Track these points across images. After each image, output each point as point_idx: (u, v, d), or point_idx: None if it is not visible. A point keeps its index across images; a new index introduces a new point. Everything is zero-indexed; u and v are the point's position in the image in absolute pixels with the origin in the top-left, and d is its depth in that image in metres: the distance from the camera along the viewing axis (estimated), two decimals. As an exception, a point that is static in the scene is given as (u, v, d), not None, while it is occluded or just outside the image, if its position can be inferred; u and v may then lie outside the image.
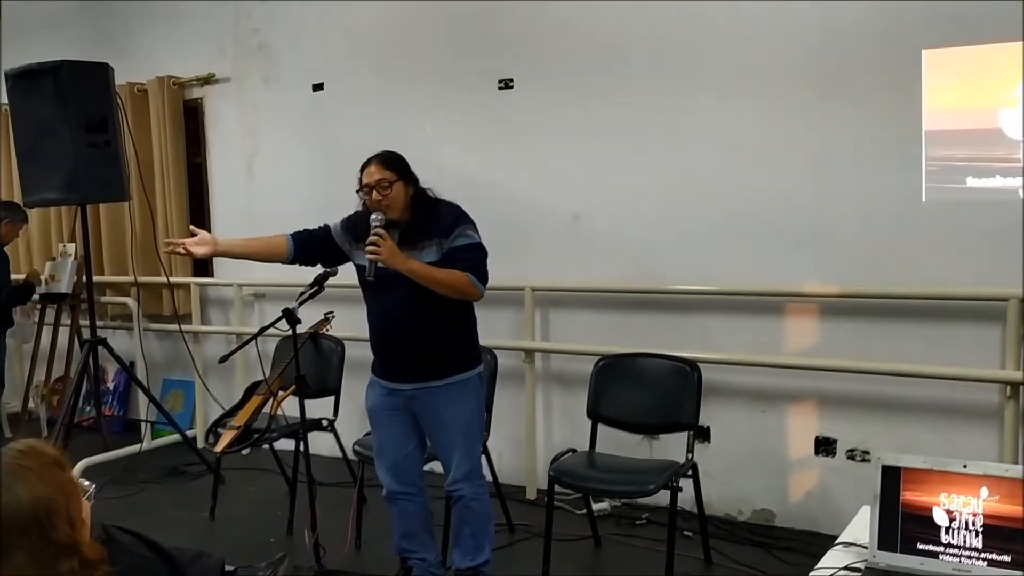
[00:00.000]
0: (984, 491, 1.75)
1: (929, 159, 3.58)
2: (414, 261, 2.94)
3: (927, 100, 3.57)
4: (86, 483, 1.42)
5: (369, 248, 2.91)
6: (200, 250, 3.18)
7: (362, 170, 3.07)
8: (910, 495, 1.81)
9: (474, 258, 3.00)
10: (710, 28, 3.99)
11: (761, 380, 3.99)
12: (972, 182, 3.52)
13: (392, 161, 3.06)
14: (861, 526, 2.07)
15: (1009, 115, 3.43)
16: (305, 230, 3.29)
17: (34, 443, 1.36)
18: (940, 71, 3.55)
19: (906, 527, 1.80)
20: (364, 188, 3.03)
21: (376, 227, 2.94)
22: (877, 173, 3.69)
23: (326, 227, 3.26)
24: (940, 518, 1.78)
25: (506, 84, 4.56)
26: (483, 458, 3.49)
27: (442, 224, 3.01)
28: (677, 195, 4.14)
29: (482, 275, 3.02)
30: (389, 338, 3.11)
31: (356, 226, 3.14)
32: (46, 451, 1.35)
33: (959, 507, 1.76)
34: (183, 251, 3.15)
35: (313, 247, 3.24)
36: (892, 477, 1.82)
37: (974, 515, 1.75)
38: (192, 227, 3.28)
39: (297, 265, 3.32)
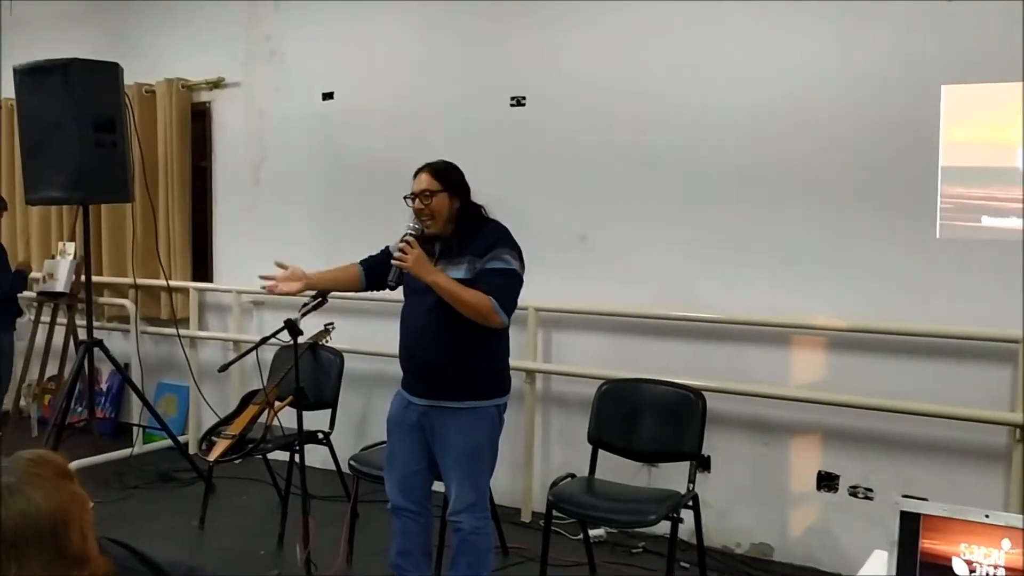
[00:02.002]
0: (1006, 543, 1.69)
1: (944, 196, 3.55)
2: (441, 274, 2.88)
3: (944, 136, 3.54)
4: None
5: (396, 254, 2.87)
6: (293, 287, 3.16)
7: (414, 176, 3.04)
8: (929, 543, 1.75)
9: (503, 284, 2.89)
10: (726, 56, 3.97)
11: (765, 411, 3.94)
12: (987, 221, 3.49)
13: (442, 172, 3.00)
14: (873, 570, 2.01)
15: (1028, 154, 3.40)
16: (370, 256, 3.23)
17: (44, 453, 1.33)
18: (959, 107, 3.52)
19: (924, 576, 1.75)
20: (411, 195, 3.00)
21: (407, 235, 2.90)
22: (891, 207, 3.65)
23: (386, 248, 3.18)
24: (960, 569, 1.73)
25: (518, 101, 4.53)
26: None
27: (481, 244, 2.94)
28: (687, 220, 4.10)
29: (508, 302, 2.90)
30: (411, 350, 3.04)
31: (418, 238, 3.06)
32: (57, 461, 1.32)
33: (980, 558, 1.70)
34: (277, 290, 3.15)
35: (380, 272, 3.13)
36: (911, 524, 1.77)
37: (995, 567, 1.70)
38: (278, 262, 3.21)
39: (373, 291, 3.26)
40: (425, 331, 2.97)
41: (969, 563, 1.72)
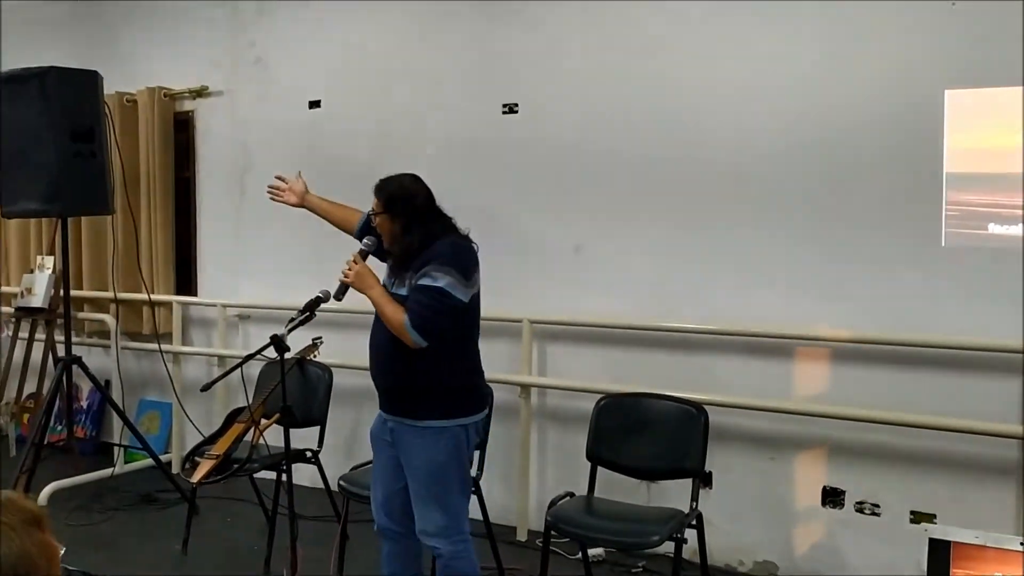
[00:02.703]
0: (1046, 571, 1.59)
1: (950, 203, 3.46)
2: (377, 288, 2.90)
3: (949, 141, 3.46)
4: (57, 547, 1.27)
5: (343, 269, 2.92)
6: (291, 198, 3.47)
7: None
8: (961, 572, 1.65)
9: (422, 301, 2.77)
10: (724, 65, 3.88)
11: (768, 425, 3.84)
12: (994, 229, 3.40)
13: (383, 191, 2.96)
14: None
15: (1034, 160, 3.32)
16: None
17: (13, 497, 1.25)
18: (963, 112, 3.44)
19: (958, 607, 1.64)
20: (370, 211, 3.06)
21: (361, 249, 3.00)
22: (895, 215, 3.56)
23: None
24: (996, 599, 1.63)
25: (511, 109, 4.43)
26: (473, 498, 3.30)
27: (422, 260, 2.84)
28: (684, 231, 4.01)
29: (424, 321, 2.76)
30: (372, 367, 3.03)
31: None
32: (27, 507, 1.25)
33: (1018, 588, 1.60)
34: (282, 196, 3.44)
35: (375, 231, 3.10)
36: (941, 552, 1.67)
37: (1034, 597, 1.60)
38: (278, 175, 3.51)
39: None
40: (382, 348, 2.95)
41: (1006, 593, 1.62)
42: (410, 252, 2.88)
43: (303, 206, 3.47)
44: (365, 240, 3.04)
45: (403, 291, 2.87)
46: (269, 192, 3.52)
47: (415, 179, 2.99)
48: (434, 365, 2.86)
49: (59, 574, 1.25)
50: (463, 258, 2.87)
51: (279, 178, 3.50)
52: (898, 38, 3.54)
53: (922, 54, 3.50)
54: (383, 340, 2.92)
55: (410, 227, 2.90)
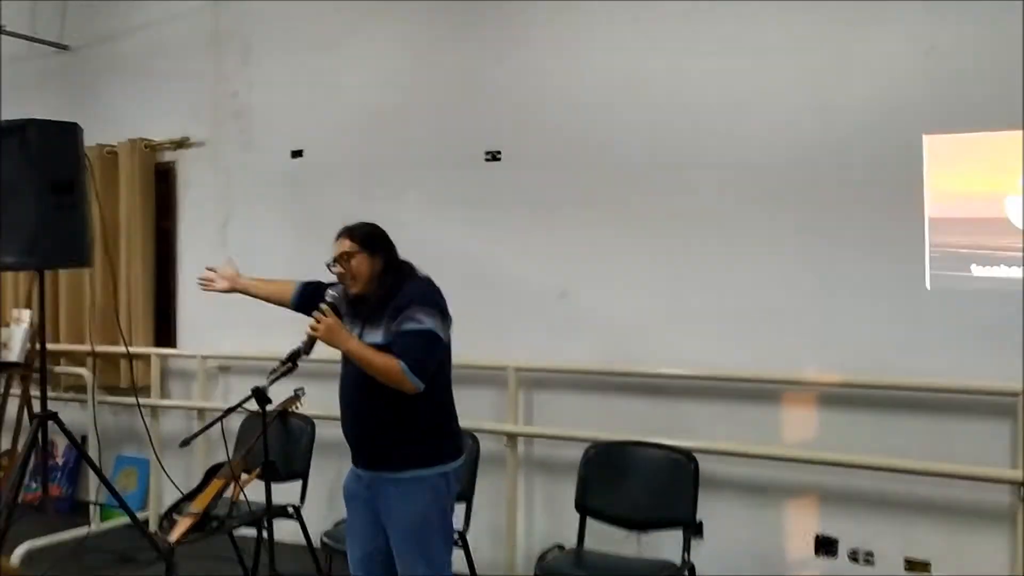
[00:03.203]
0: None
1: (933, 246, 3.47)
2: (353, 341, 2.77)
3: (929, 186, 3.49)
4: None
5: (311, 323, 2.77)
6: (221, 284, 3.31)
7: (335, 241, 2.95)
8: (968, 623, 1.60)
9: (414, 345, 2.73)
10: (705, 109, 3.92)
11: (758, 472, 3.79)
12: (977, 271, 3.41)
13: (357, 232, 2.92)
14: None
15: (1015, 203, 3.34)
16: (316, 281, 3.17)
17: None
18: (942, 157, 3.48)
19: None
20: (331, 261, 2.93)
21: (327, 301, 2.83)
22: (879, 259, 3.57)
23: (329, 284, 3.08)
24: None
25: (493, 156, 4.43)
26: (460, 552, 3.23)
27: (398, 304, 2.80)
28: (670, 275, 4.01)
29: (420, 365, 2.73)
30: (346, 420, 2.94)
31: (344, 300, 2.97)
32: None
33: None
34: (213, 286, 3.29)
35: (314, 299, 3.02)
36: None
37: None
38: (209, 267, 3.35)
39: (299, 313, 3.18)
40: (355, 400, 2.87)
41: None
42: (389, 293, 2.84)
43: (235, 291, 3.35)
44: (329, 291, 2.90)
45: (378, 338, 2.78)
46: (200, 283, 3.38)
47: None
48: (412, 411, 2.81)
49: None
50: (440, 299, 2.87)
51: (209, 269, 3.38)
52: (875, 84, 3.58)
53: (901, 99, 3.54)
54: (358, 392, 2.85)
55: (388, 266, 2.89)
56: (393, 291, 2.84)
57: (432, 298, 2.83)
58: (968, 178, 3.47)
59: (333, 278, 3.06)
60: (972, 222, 3.45)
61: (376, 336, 2.79)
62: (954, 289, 3.46)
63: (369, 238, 2.90)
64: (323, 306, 2.80)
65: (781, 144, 3.77)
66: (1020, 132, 3.31)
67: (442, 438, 2.91)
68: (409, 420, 2.81)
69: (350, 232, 2.93)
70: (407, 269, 2.93)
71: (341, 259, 2.88)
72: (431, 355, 2.76)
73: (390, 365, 2.71)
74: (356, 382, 2.84)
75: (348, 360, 2.86)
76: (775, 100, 3.78)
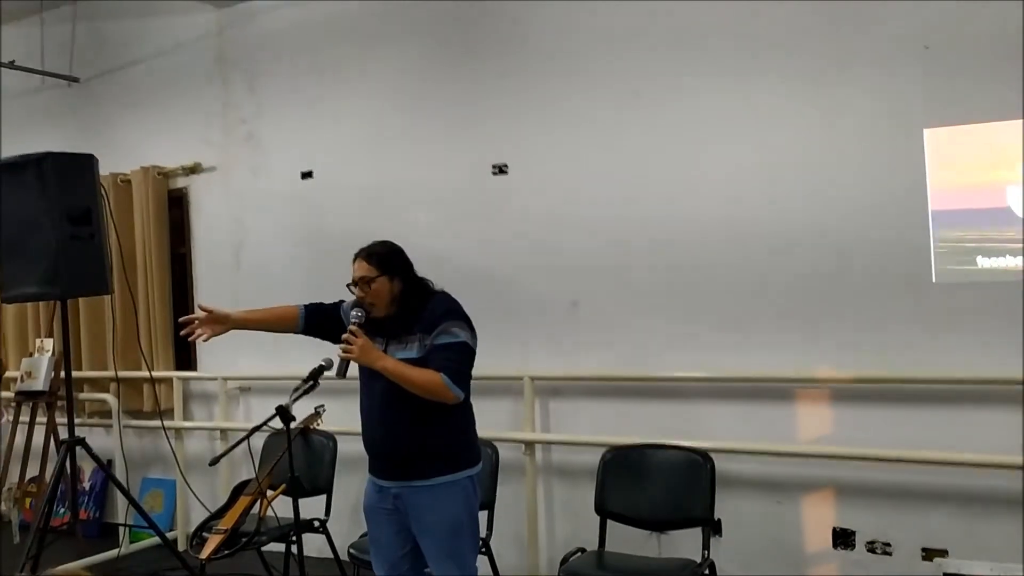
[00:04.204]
0: (1061, 600, 1.60)
1: (938, 240, 3.52)
2: (389, 359, 2.84)
3: (932, 180, 3.53)
4: None
5: (342, 346, 2.83)
6: (207, 331, 3.13)
7: (353, 263, 2.99)
8: (979, 606, 1.66)
9: (453, 358, 2.84)
10: (706, 114, 3.97)
11: (774, 470, 3.84)
12: (983, 262, 3.46)
13: (375, 255, 2.96)
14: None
15: (1016, 193, 3.39)
16: (319, 302, 3.20)
17: (75, 568, 1.30)
18: (943, 150, 3.52)
19: (977, 642, 1.65)
20: (351, 282, 2.97)
21: (353, 323, 2.88)
22: (886, 254, 3.62)
23: (339, 303, 3.17)
24: (1014, 631, 1.63)
25: (500, 169, 4.51)
26: (485, 559, 3.29)
27: (428, 320, 2.89)
28: (680, 281, 4.05)
29: (460, 376, 2.85)
30: (373, 434, 2.99)
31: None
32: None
33: (1036, 619, 1.61)
34: (203, 337, 3.11)
35: (324, 320, 3.13)
36: (958, 586, 1.68)
37: (1052, 627, 1.61)
38: (201, 305, 3.20)
39: (308, 336, 3.22)
40: (384, 414, 2.92)
41: (1025, 625, 1.62)
42: (412, 310, 2.91)
43: (232, 328, 3.22)
44: (355, 312, 2.93)
45: (411, 354, 2.86)
46: (185, 334, 3.17)
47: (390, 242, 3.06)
48: (441, 421, 2.90)
49: None
50: (463, 311, 2.96)
51: (182, 321, 3.19)
52: (876, 82, 3.63)
53: (900, 95, 3.59)
54: (387, 405, 2.89)
55: (408, 284, 2.95)
56: (417, 308, 2.92)
57: (461, 311, 2.94)
58: (969, 170, 3.51)
59: (336, 298, 3.14)
60: (975, 213, 3.49)
61: (407, 352, 2.86)
62: (960, 282, 3.50)
63: (386, 260, 2.95)
64: (353, 327, 2.85)
65: (784, 145, 3.82)
66: (1020, 121, 3.35)
67: (467, 444, 3.00)
68: (438, 429, 2.90)
69: (367, 256, 2.96)
70: (425, 285, 3.00)
71: (361, 284, 2.93)
72: (468, 366, 2.89)
73: (431, 378, 2.80)
74: (385, 398, 2.88)
75: (373, 377, 2.89)
76: (777, 97, 3.83)
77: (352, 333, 2.83)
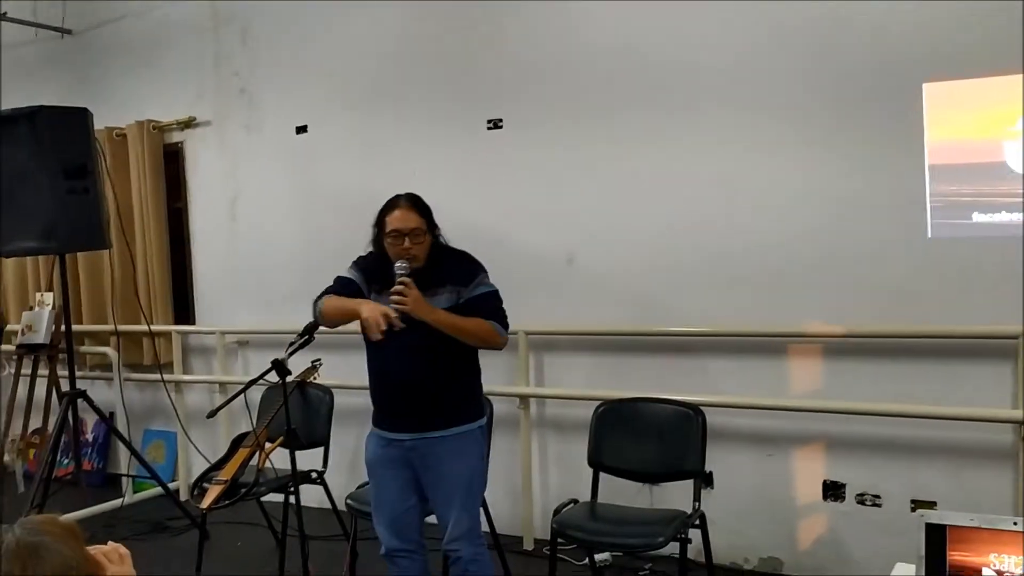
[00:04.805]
0: (1036, 550, 1.64)
1: (934, 195, 3.52)
2: (440, 311, 2.87)
3: (929, 134, 3.52)
4: None
5: (395, 299, 2.80)
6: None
7: (387, 211, 2.93)
8: (957, 555, 1.70)
9: (496, 307, 2.97)
10: (705, 66, 3.94)
11: (766, 423, 3.88)
12: (978, 218, 3.46)
13: (422, 207, 2.95)
14: (897, 586, 1.95)
15: (1013, 148, 3.38)
16: (337, 293, 3.03)
17: (51, 516, 1.38)
18: (941, 105, 3.50)
19: (953, 590, 1.69)
20: (393, 233, 2.89)
21: (401, 275, 2.83)
22: (880, 209, 3.62)
23: (349, 280, 3.05)
24: (990, 580, 1.67)
25: (495, 124, 4.48)
26: (479, 510, 3.34)
27: (460, 272, 2.95)
28: (675, 235, 4.06)
29: (505, 323, 2.98)
30: (395, 386, 2.97)
31: (372, 272, 3.01)
32: (68, 523, 1.38)
33: (1011, 567, 1.65)
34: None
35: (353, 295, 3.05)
36: (937, 535, 1.71)
37: (1026, 577, 1.64)
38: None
39: None
40: (413, 368, 2.92)
41: (1000, 573, 1.67)
42: (444, 264, 2.95)
43: None
44: (401, 264, 2.84)
45: (445, 304, 2.89)
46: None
47: None
48: (463, 371, 3.01)
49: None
50: None
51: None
52: (874, 34, 3.60)
53: (899, 48, 3.55)
54: (416, 358, 2.88)
55: (437, 238, 2.99)
56: (443, 261, 2.96)
57: (480, 264, 3.03)
58: (966, 125, 3.49)
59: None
60: (972, 168, 3.48)
61: (441, 303, 2.89)
62: (955, 237, 3.50)
63: (429, 214, 2.96)
64: (405, 280, 2.81)
65: (780, 96, 3.78)
66: (1019, 76, 3.33)
67: (478, 396, 3.11)
68: (459, 381, 3.00)
69: (416, 206, 2.93)
70: (441, 237, 3.03)
71: (412, 235, 2.88)
72: (505, 314, 3.00)
73: (482, 325, 2.90)
74: (413, 350, 2.87)
75: (401, 333, 2.81)
76: (775, 50, 3.78)
77: (404, 284, 2.80)
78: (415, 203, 2.95)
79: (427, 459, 2.96)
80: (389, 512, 3.05)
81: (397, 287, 2.81)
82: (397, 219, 2.90)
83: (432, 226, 2.96)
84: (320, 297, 3.04)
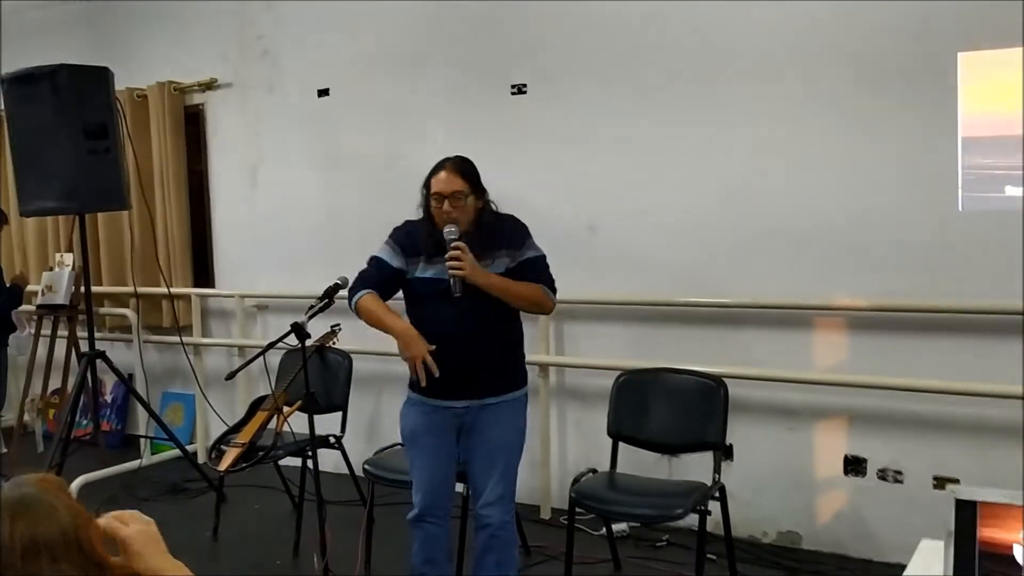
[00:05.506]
0: (1071, 528, 1.60)
1: (966, 167, 3.44)
2: (494, 275, 2.87)
3: (963, 106, 3.43)
4: None
5: (451, 264, 2.79)
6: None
7: (433, 174, 2.91)
8: (988, 532, 1.66)
9: (544, 269, 2.99)
10: (737, 35, 3.85)
11: (787, 396, 3.84)
12: (1011, 191, 3.38)
13: (465, 171, 2.91)
14: (924, 562, 1.91)
15: (1049, 121, 3.29)
16: (375, 281, 2.98)
17: (41, 474, 1.37)
18: (976, 75, 3.41)
19: (984, 567, 1.65)
20: (435, 196, 2.87)
21: (453, 240, 2.82)
22: (911, 182, 3.55)
23: (382, 262, 2.99)
24: (1022, 557, 1.63)
25: (519, 89, 4.42)
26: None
27: (510, 235, 2.95)
28: (698, 205, 4.00)
29: (554, 287, 3.01)
30: (452, 353, 2.87)
31: (416, 241, 2.95)
32: (57, 479, 1.38)
33: (1044, 546, 1.61)
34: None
35: (390, 284, 3.01)
36: (968, 512, 1.67)
37: (1060, 554, 1.60)
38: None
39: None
40: (465, 333, 2.87)
41: (1032, 551, 1.63)
42: (496, 229, 2.93)
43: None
44: (450, 228, 2.83)
45: (500, 268, 2.89)
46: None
47: None
48: (513, 338, 3.04)
49: (100, 531, 1.36)
50: None
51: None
52: (907, 4, 3.50)
53: (934, 16, 3.46)
54: (472, 321, 2.86)
55: (485, 203, 2.96)
56: (492, 226, 2.93)
57: (527, 228, 3.02)
58: (1002, 96, 3.40)
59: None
60: (1006, 141, 3.40)
61: (499, 267, 2.89)
62: (986, 210, 3.43)
63: (476, 178, 2.93)
64: (459, 244, 2.80)
65: (811, 66, 3.70)
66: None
67: (523, 363, 3.12)
68: (510, 348, 3.03)
69: (460, 170, 2.89)
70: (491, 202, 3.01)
71: (454, 199, 2.85)
72: (552, 277, 3.00)
73: (534, 290, 2.92)
74: (472, 314, 2.85)
75: (451, 298, 2.81)
76: (806, 19, 3.70)
77: (459, 249, 2.79)
78: (459, 166, 2.91)
79: (477, 423, 2.97)
80: (428, 479, 3.02)
81: (452, 252, 2.80)
82: (439, 181, 2.88)
83: (479, 190, 2.93)
84: (356, 289, 2.99)
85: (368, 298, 2.94)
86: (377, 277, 2.98)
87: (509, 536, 2.99)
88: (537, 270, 2.95)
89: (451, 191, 2.86)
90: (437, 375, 2.82)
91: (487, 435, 2.96)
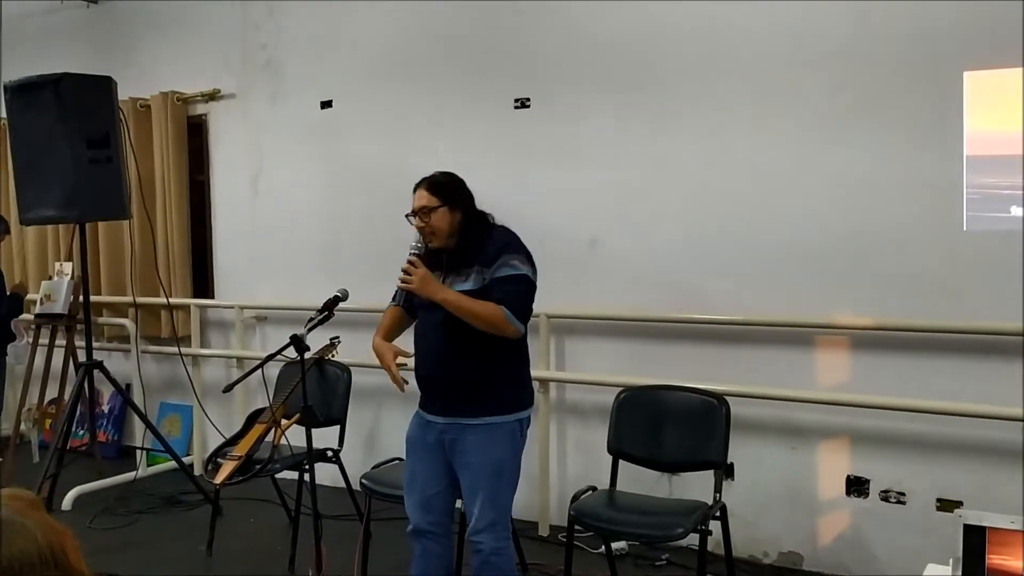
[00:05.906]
0: (1082, 555, 1.57)
1: (971, 186, 3.41)
2: (449, 291, 2.80)
3: (968, 124, 3.40)
4: None
5: (401, 277, 2.82)
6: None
7: (413, 192, 2.93)
8: (997, 559, 1.63)
9: (514, 290, 2.81)
10: (739, 48, 3.84)
11: (790, 415, 3.81)
12: (1017, 211, 3.35)
13: (439, 185, 2.90)
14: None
15: (1056, 141, 3.27)
16: (403, 295, 3.05)
17: (11, 489, 1.34)
18: (983, 94, 3.38)
19: (992, 594, 1.62)
20: (411, 212, 2.91)
21: (411, 254, 2.85)
22: (915, 201, 3.53)
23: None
24: (1031, 585, 1.60)
25: (522, 103, 4.41)
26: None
27: (488, 253, 2.84)
28: (701, 220, 3.98)
29: (520, 309, 2.82)
30: (426, 368, 2.93)
31: (425, 257, 2.95)
32: (28, 495, 1.35)
33: (1054, 574, 1.58)
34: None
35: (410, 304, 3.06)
36: (976, 538, 1.64)
37: (1070, 582, 1.57)
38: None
39: None
40: (438, 347, 2.88)
41: (1042, 579, 1.59)
42: (472, 243, 2.87)
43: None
44: (414, 243, 2.89)
45: (468, 286, 2.82)
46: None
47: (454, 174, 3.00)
48: (499, 359, 2.88)
49: (78, 547, 1.31)
50: (524, 245, 2.92)
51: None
52: (915, 20, 3.49)
53: (940, 35, 3.45)
54: (442, 338, 2.85)
55: (468, 217, 2.91)
56: (476, 241, 2.87)
57: (522, 245, 2.90)
58: (1008, 115, 3.38)
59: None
60: (1012, 160, 3.37)
61: (465, 284, 2.82)
62: (992, 230, 3.40)
63: (448, 191, 2.89)
64: (411, 257, 2.83)
65: (817, 81, 3.69)
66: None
67: (519, 386, 2.99)
68: (494, 367, 2.87)
69: (430, 185, 2.90)
70: (485, 218, 2.95)
71: (422, 213, 2.86)
72: (529, 300, 2.86)
73: (492, 311, 2.76)
74: (443, 330, 2.84)
75: (430, 309, 2.85)
76: (812, 35, 3.69)
77: (411, 263, 2.80)
78: (429, 183, 2.91)
79: (456, 445, 2.91)
80: (420, 492, 3.01)
81: (404, 266, 2.82)
82: (414, 199, 2.91)
83: (456, 204, 2.89)
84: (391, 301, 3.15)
85: (387, 311, 3.10)
86: (405, 292, 3.02)
87: (503, 562, 2.92)
88: (503, 288, 2.79)
89: (419, 207, 2.88)
90: (402, 390, 2.92)
91: (467, 459, 2.89)
